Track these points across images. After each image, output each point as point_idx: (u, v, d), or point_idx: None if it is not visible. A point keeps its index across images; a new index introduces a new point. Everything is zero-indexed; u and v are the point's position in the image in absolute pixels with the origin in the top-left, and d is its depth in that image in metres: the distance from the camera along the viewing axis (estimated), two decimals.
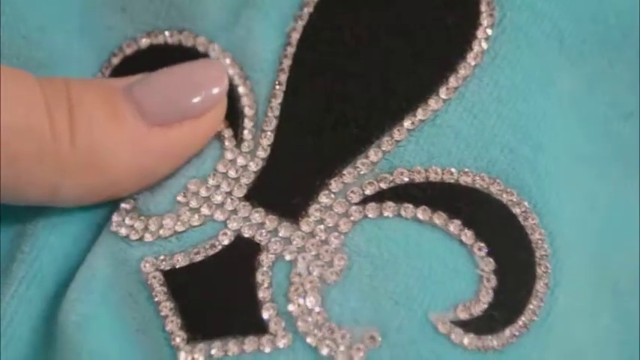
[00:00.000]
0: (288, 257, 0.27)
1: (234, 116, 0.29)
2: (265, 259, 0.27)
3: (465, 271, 0.27)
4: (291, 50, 0.29)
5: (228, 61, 0.29)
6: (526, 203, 0.27)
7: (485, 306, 0.27)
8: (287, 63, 0.29)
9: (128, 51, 0.29)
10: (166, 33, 0.29)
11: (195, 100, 0.27)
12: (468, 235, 0.27)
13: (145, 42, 0.29)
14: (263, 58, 0.29)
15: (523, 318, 0.27)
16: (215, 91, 0.28)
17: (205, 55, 0.29)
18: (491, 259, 0.27)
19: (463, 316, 0.26)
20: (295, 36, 0.29)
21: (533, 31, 0.29)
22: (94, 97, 0.27)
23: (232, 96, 0.29)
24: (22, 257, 0.28)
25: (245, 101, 0.29)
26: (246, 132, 0.28)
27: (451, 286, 0.27)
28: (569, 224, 0.28)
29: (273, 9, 0.29)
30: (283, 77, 0.29)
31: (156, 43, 0.29)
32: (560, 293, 0.27)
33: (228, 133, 0.28)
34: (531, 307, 0.27)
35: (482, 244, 0.27)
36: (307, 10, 0.29)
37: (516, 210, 0.27)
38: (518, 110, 0.28)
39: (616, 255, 0.29)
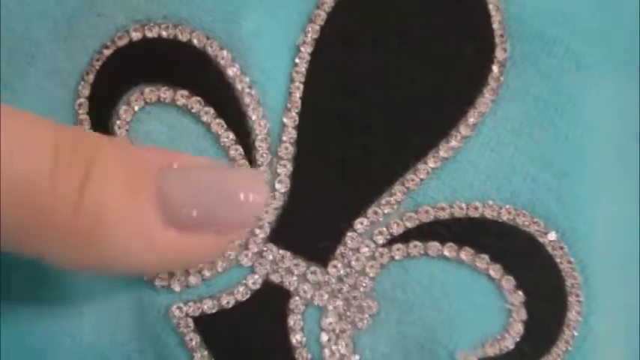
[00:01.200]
0: (318, 302, 0.27)
1: (241, 130, 0.28)
2: (295, 305, 0.27)
3: (493, 306, 0.27)
4: (302, 66, 0.28)
5: (228, 59, 0.28)
6: (554, 233, 0.27)
7: (516, 340, 0.27)
8: (299, 79, 0.28)
9: (120, 43, 0.28)
10: (162, 26, 0.28)
11: (227, 215, 0.25)
12: (495, 269, 0.27)
13: (137, 35, 0.28)
14: (274, 67, 0.28)
15: (556, 349, 0.27)
16: (251, 210, 0.25)
17: (202, 53, 0.28)
18: (520, 292, 0.27)
19: (492, 351, 0.27)
20: (306, 50, 0.28)
21: (544, 58, 0.28)
22: (120, 174, 0.24)
23: (234, 103, 0.28)
24: None
25: (253, 115, 0.28)
26: (259, 156, 0.28)
27: (479, 322, 0.27)
28: (599, 250, 0.28)
29: (281, 9, 0.28)
30: (296, 94, 0.28)
31: (150, 37, 0.28)
32: (595, 322, 0.27)
33: (237, 152, 0.28)
34: (564, 337, 0.27)
35: (511, 277, 0.27)
36: (318, 24, 0.28)
37: (544, 240, 0.27)
38: (535, 139, 0.28)
39: None
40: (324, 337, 0.27)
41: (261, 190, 0.25)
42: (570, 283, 0.27)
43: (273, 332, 0.27)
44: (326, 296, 0.27)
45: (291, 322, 0.27)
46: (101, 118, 0.28)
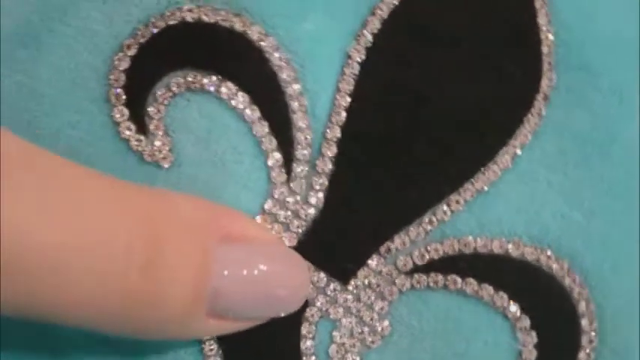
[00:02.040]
0: (332, 316, 0.28)
1: (284, 137, 0.27)
2: (310, 315, 0.27)
3: (504, 345, 0.27)
4: (351, 76, 0.27)
5: (283, 61, 0.27)
6: (577, 276, 0.27)
7: None
8: (346, 90, 0.27)
9: (170, 21, 0.26)
10: (221, 12, 0.27)
11: (266, 314, 0.26)
12: (513, 309, 0.27)
13: (191, 16, 0.26)
14: (328, 75, 0.27)
15: None
16: (287, 309, 0.26)
17: (258, 50, 0.27)
18: (533, 333, 0.27)
19: None
20: (356, 58, 0.27)
21: (588, 92, 0.28)
22: (187, 267, 0.24)
23: (282, 108, 0.27)
24: None
25: (300, 123, 0.27)
26: (296, 166, 0.27)
27: None
28: (622, 292, 0.28)
29: (339, 12, 0.27)
30: (342, 109, 0.27)
31: (205, 21, 0.27)
32: None
33: (276, 159, 0.27)
34: None
35: (527, 317, 0.27)
36: (370, 32, 0.28)
37: (566, 281, 0.27)
38: (569, 176, 0.28)
39: None
40: (334, 349, 0.27)
41: (303, 285, 0.26)
42: (586, 326, 0.28)
43: (286, 337, 0.27)
44: (341, 311, 0.28)
45: (304, 329, 0.27)
46: (137, 97, 0.26)
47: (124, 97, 0.26)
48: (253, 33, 0.27)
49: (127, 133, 0.26)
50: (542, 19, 0.28)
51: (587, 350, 0.28)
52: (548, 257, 0.28)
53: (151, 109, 0.27)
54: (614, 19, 0.29)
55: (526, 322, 0.27)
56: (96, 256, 0.23)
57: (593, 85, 0.28)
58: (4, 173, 0.22)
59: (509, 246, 0.28)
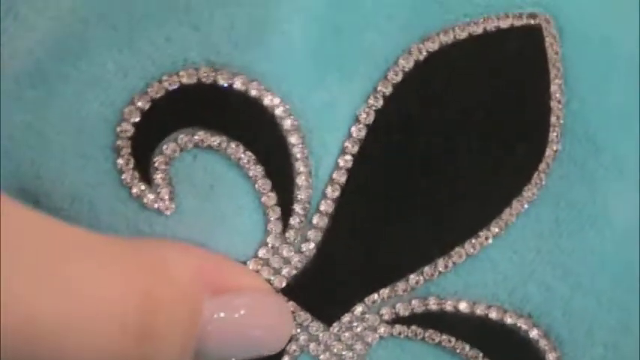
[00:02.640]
0: (312, 352, 0.29)
1: (284, 194, 0.28)
2: (291, 348, 0.29)
3: None
4: (357, 138, 0.28)
5: (293, 126, 0.27)
6: (553, 340, 0.29)
7: None
8: (352, 151, 0.28)
9: (186, 80, 0.27)
10: (237, 77, 0.27)
11: (249, 355, 0.27)
12: None
13: (207, 78, 0.27)
14: (334, 141, 0.28)
15: None
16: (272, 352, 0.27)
17: (271, 116, 0.27)
18: None
19: None
20: (364, 121, 0.27)
21: (591, 164, 0.28)
22: (175, 335, 0.25)
23: (287, 169, 0.27)
24: None
25: (302, 182, 0.28)
26: (293, 219, 0.28)
27: None
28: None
29: (353, 78, 0.27)
30: (344, 169, 0.28)
31: (220, 84, 0.27)
32: None
33: (274, 213, 0.28)
34: None
35: None
36: (381, 97, 0.27)
37: (541, 344, 0.29)
38: (560, 246, 0.28)
39: None
40: None
41: (286, 337, 0.27)
42: None
43: None
44: (321, 348, 0.29)
45: None
46: (144, 148, 0.27)
47: (130, 147, 0.27)
48: (267, 99, 0.27)
49: (131, 181, 0.27)
50: (554, 87, 0.28)
51: None
52: (527, 323, 0.29)
53: (156, 161, 0.27)
54: (623, 93, 0.28)
55: None
56: (93, 325, 0.23)
57: (595, 158, 0.28)
58: (4, 240, 0.22)
59: (490, 310, 0.28)
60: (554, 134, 0.28)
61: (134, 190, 0.27)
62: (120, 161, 0.27)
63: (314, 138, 0.27)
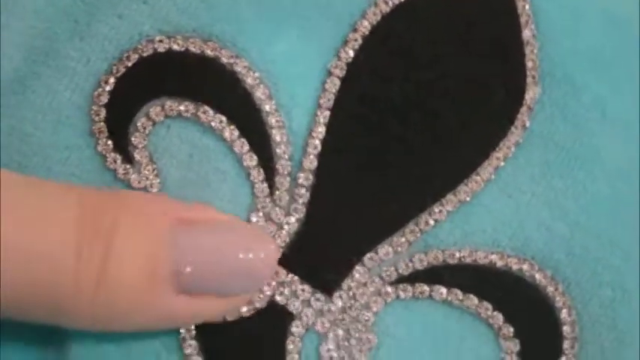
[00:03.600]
0: (319, 329, 0.28)
1: (264, 153, 0.27)
2: (296, 328, 0.27)
3: (489, 354, 0.28)
4: (331, 91, 0.28)
5: (257, 81, 0.27)
6: (560, 285, 0.28)
7: None
8: (327, 106, 0.28)
9: (144, 52, 0.27)
10: (190, 40, 0.27)
11: (235, 285, 0.26)
12: (496, 318, 0.28)
13: (162, 46, 0.27)
14: (303, 92, 0.28)
15: None
16: (260, 278, 0.26)
17: (231, 72, 0.27)
18: (517, 341, 0.28)
19: None
20: (337, 74, 0.28)
21: (571, 106, 0.28)
22: (137, 249, 0.24)
23: (259, 125, 0.27)
24: None
25: (278, 138, 0.27)
26: (279, 179, 0.27)
27: None
28: (599, 307, 0.28)
29: (315, 32, 0.28)
30: (322, 123, 0.28)
31: (176, 50, 0.27)
32: None
33: (258, 174, 0.27)
34: None
35: (510, 326, 0.28)
36: (352, 49, 0.28)
37: (549, 290, 0.28)
38: (553, 187, 0.28)
39: None
40: None
41: (270, 254, 0.26)
42: (567, 333, 0.28)
43: (270, 352, 0.27)
44: (327, 324, 0.28)
45: (289, 344, 0.27)
46: (118, 129, 0.27)
47: (106, 130, 0.27)
48: (224, 57, 0.27)
49: (114, 163, 0.27)
50: (527, 34, 0.28)
51: (569, 356, 0.28)
52: (532, 267, 0.28)
53: (133, 139, 0.27)
54: (596, 35, 0.29)
55: (509, 330, 0.28)
56: (49, 255, 0.24)
57: (576, 99, 0.28)
58: None
59: (494, 256, 0.28)
60: (531, 78, 0.28)
61: (119, 172, 0.27)
62: (99, 146, 0.27)
63: (280, 90, 0.27)
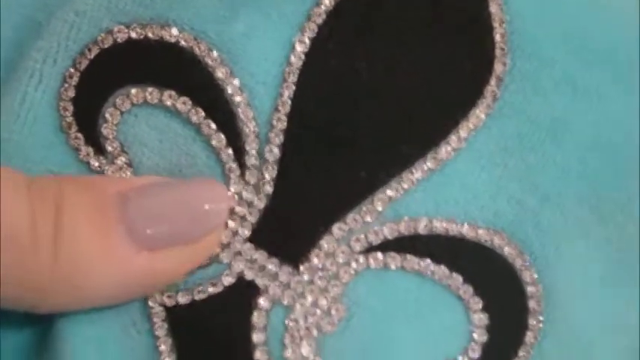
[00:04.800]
0: (285, 302, 0.27)
1: (231, 132, 0.27)
2: (263, 302, 0.27)
3: (458, 327, 0.27)
4: (296, 65, 0.27)
5: (217, 61, 0.27)
6: (527, 257, 0.28)
7: None
8: (291, 79, 0.27)
9: (104, 44, 0.27)
10: (147, 27, 0.27)
11: (192, 228, 0.26)
12: (466, 291, 0.27)
13: (121, 36, 0.27)
14: (265, 68, 0.27)
15: None
16: (215, 219, 0.26)
17: (190, 54, 0.27)
18: (485, 315, 0.27)
19: None
20: (301, 48, 0.27)
21: (542, 80, 0.28)
22: (85, 209, 0.25)
23: (224, 105, 0.27)
24: None
25: (243, 116, 0.27)
26: (248, 158, 0.27)
27: (445, 343, 0.27)
28: (567, 275, 0.28)
29: (274, 9, 0.28)
30: (287, 97, 0.27)
31: (135, 38, 0.27)
32: (547, 344, 0.28)
33: (227, 155, 0.27)
34: (520, 355, 0.28)
35: (479, 299, 0.27)
36: (316, 23, 0.28)
37: (517, 263, 0.28)
38: (525, 160, 0.28)
39: (623, 295, 0.29)
40: (287, 337, 0.27)
41: (221, 197, 0.26)
42: (533, 308, 0.28)
43: (237, 327, 0.27)
44: (294, 296, 0.27)
45: (255, 318, 0.27)
46: (88, 121, 0.27)
47: (75, 124, 0.27)
48: (183, 40, 0.27)
49: (87, 156, 0.27)
50: (494, 8, 0.28)
51: (534, 331, 0.28)
52: (502, 240, 0.28)
53: (103, 131, 0.27)
54: (566, 10, 0.29)
55: (479, 303, 0.27)
56: (13, 233, 0.24)
57: (547, 74, 0.28)
58: None
59: (465, 228, 0.27)
60: (500, 50, 0.28)
61: (92, 164, 0.27)
62: (70, 140, 0.27)
63: (241, 69, 0.27)
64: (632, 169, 0.29)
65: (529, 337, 0.28)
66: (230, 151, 0.27)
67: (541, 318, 0.28)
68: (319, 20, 0.28)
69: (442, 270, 0.27)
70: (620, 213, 0.29)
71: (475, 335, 0.27)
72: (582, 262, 0.28)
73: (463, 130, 0.28)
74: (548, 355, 0.28)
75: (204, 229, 0.26)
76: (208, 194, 0.26)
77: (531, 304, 0.28)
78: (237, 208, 0.27)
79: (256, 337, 0.27)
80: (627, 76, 0.29)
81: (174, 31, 0.27)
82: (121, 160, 0.27)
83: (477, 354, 0.27)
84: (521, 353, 0.28)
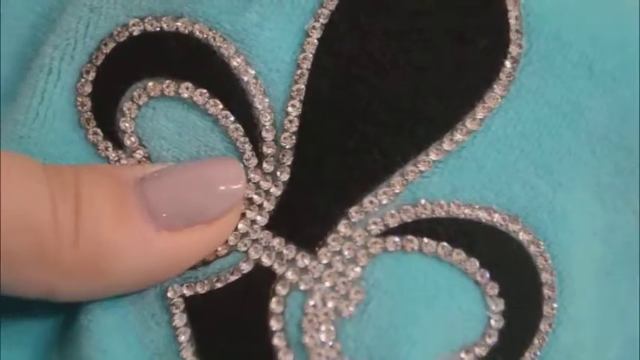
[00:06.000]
0: (303, 287, 0.27)
1: (248, 122, 0.27)
2: (281, 288, 0.27)
3: (475, 312, 0.27)
4: (310, 52, 0.27)
5: (232, 51, 0.27)
6: (542, 243, 0.28)
7: (490, 348, 0.27)
8: (306, 66, 0.27)
9: (119, 38, 0.27)
10: (162, 19, 0.27)
11: (210, 206, 0.26)
12: (483, 275, 0.27)
13: (136, 29, 0.27)
14: (279, 56, 0.27)
15: (526, 355, 0.27)
16: (232, 198, 0.26)
17: (205, 45, 0.27)
18: (501, 300, 0.27)
19: (468, 358, 0.27)
20: (315, 35, 0.27)
21: (560, 61, 0.28)
22: (103, 193, 0.25)
23: (240, 95, 0.27)
24: None
25: (259, 105, 0.27)
26: (265, 147, 0.27)
27: (462, 327, 0.27)
28: (579, 262, 0.28)
29: None
30: (301, 84, 0.27)
31: (150, 30, 0.27)
32: (562, 332, 0.28)
33: (245, 145, 0.27)
34: (535, 343, 0.27)
35: (496, 284, 0.27)
36: (328, 9, 0.28)
37: (532, 249, 0.28)
38: (541, 146, 0.28)
39: (625, 283, 0.29)
40: (306, 322, 0.26)
41: (237, 176, 0.26)
42: (547, 295, 0.28)
43: (255, 314, 0.27)
44: (312, 280, 0.27)
45: (273, 304, 0.27)
46: (106, 116, 0.27)
47: (93, 119, 0.27)
48: (198, 31, 0.27)
49: (105, 151, 0.27)
50: None
51: (549, 319, 0.28)
52: (517, 225, 0.27)
53: (121, 125, 0.27)
54: None
55: (495, 289, 0.27)
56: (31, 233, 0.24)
57: (563, 55, 0.28)
58: None
59: (481, 212, 0.27)
60: (515, 32, 0.28)
61: (111, 159, 0.27)
62: (89, 135, 0.27)
63: (256, 57, 0.27)
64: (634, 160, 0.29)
65: (544, 324, 0.27)
66: (247, 140, 0.27)
67: (555, 305, 0.28)
68: (331, 6, 0.28)
69: (459, 254, 0.27)
70: (620, 200, 0.29)
71: (492, 321, 0.27)
72: (592, 250, 0.28)
73: (480, 112, 0.27)
74: (563, 342, 0.28)
75: (222, 208, 0.26)
76: (224, 173, 0.26)
77: (545, 291, 0.28)
78: (255, 197, 0.27)
79: (274, 323, 0.26)
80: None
81: (189, 22, 0.27)
82: (140, 154, 0.27)
83: (493, 339, 0.27)
84: (536, 341, 0.27)
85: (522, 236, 0.27)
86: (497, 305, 0.27)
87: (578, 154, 0.28)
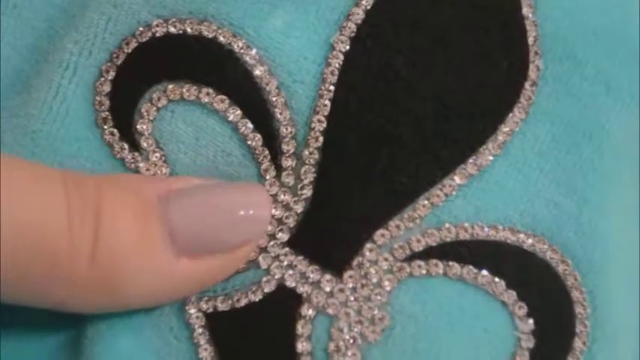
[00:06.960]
0: (330, 311, 0.27)
1: (268, 132, 0.27)
2: (307, 311, 0.27)
3: (504, 333, 0.27)
4: (335, 66, 0.27)
5: (256, 59, 0.27)
6: (569, 261, 0.27)
7: None
8: (331, 80, 0.27)
9: (142, 38, 0.27)
10: (186, 22, 0.27)
11: (233, 235, 0.26)
12: (510, 296, 0.27)
13: (160, 30, 0.27)
14: (304, 68, 0.27)
15: None
16: (256, 228, 0.26)
17: (229, 51, 0.27)
18: (530, 320, 0.27)
19: None
20: (341, 48, 0.27)
21: (575, 80, 0.28)
22: (126, 213, 0.25)
23: (261, 104, 0.27)
24: None
25: (281, 117, 0.27)
26: (284, 160, 0.27)
27: (490, 350, 0.27)
28: (612, 279, 0.28)
29: (313, 6, 0.27)
30: (326, 99, 0.27)
31: (173, 32, 0.27)
32: (598, 350, 0.27)
33: (264, 155, 0.27)
34: None
35: (524, 305, 0.27)
36: (354, 22, 0.27)
37: (559, 268, 0.27)
38: (561, 164, 0.28)
39: None
40: (332, 346, 0.27)
41: (262, 204, 0.26)
42: (579, 313, 0.27)
43: (280, 336, 0.27)
44: (338, 305, 0.27)
45: (299, 327, 0.27)
46: (123, 117, 0.27)
47: (111, 119, 0.27)
48: (222, 36, 0.27)
49: (121, 152, 0.27)
50: (526, 11, 0.28)
51: (583, 337, 0.27)
52: (543, 244, 0.27)
53: (139, 126, 0.27)
54: (595, 11, 0.29)
55: (523, 309, 0.27)
56: (43, 224, 0.24)
57: (579, 74, 0.28)
58: None
59: (506, 232, 0.27)
60: (534, 54, 0.28)
61: (127, 160, 0.27)
62: (105, 135, 0.27)
63: (279, 67, 0.27)
64: None
65: (577, 342, 0.27)
66: (266, 151, 0.27)
67: (587, 323, 0.27)
68: (358, 20, 0.27)
69: (485, 276, 0.27)
70: None
71: (522, 341, 0.27)
72: (624, 264, 0.28)
73: (501, 136, 0.28)
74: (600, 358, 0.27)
75: (245, 238, 0.26)
76: (249, 200, 0.26)
77: (577, 309, 0.27)
78: (274, 211, 0.27)
79: (301, 346, 0.27)
80: None
81: (213, 26, 0.27)
82: (156, 157, 0.27)
83: (526, 359, 0.27)
84: (570, 359, 0.27)
85: (550, 255, 0.27)
86: (527, 325, 0.27)
87: (603, 169, 0.28)
